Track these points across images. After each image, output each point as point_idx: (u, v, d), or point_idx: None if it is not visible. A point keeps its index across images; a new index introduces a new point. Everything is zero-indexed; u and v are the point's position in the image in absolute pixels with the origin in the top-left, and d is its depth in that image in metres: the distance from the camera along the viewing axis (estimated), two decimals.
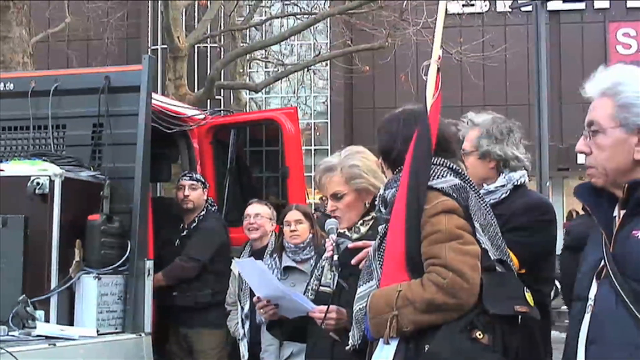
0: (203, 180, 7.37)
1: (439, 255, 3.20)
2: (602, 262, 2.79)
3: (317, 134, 35.16)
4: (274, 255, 6.49)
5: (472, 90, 28.75)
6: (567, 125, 29.46)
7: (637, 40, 32.93)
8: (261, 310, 4.39)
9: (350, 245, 3.93)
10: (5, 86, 6.39)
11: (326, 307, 3.96)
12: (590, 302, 2.80)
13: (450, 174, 3.43)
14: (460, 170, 3.50)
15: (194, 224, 7.28)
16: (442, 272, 3.17)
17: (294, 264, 6.35)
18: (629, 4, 32.75)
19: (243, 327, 6.69)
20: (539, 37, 16.24)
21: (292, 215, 6.42)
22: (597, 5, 32.98)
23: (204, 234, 7.22)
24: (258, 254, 6.63)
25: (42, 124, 6.22)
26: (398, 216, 3.33)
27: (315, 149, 33.55)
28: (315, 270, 4.35)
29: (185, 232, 7.30)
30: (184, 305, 7.10)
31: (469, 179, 3.52)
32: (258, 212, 6.86)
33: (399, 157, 3.54)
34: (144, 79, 5.93)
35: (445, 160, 3.48)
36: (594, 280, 2.82)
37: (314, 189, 24.93)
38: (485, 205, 3.49)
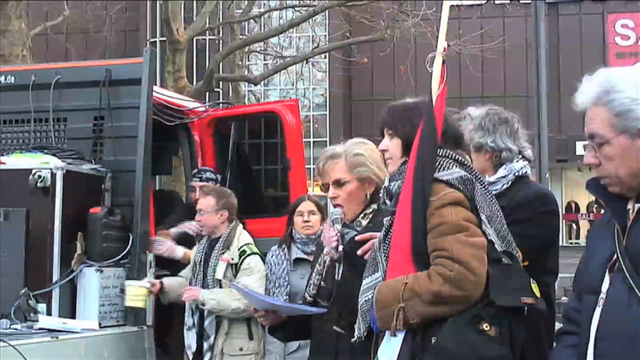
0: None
1: (445, 248, 3.20)
2: (615, 256, 2.77)
3: (316, 126, 35.17)
4: (283, 246, 6.33)
5: (471, 81, 28.74)
6: (566, 116, 29.43)
7: (635, 32, 32.92)
8: (261, 319, 4.40)
9: (358, 237, 3.91)
10: (6, 79, 6.39)
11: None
12: (602, 295, 2.78)
13: (456, 166, 3.42)
14: (465, 162, 3.49)
15: None
16: (449, 264, 3.16)
17: (304, 256, 6.20)
18: None
19: (192, 317, 6.33)
20: (537, 28, 16.18)
21: (306, 205, 6.29)
22: None
23: None
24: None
25: (43, 117, 6.21)
26: (404, 208, 3.33)
27: (314, 141, 33.52)
28: (317, 265, 4.29)
29: None
30: None
31: (474, 170, 3.51)
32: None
33: None
34: (145, 72, 5.93)
35: (451, 152, 3.47)
36: (607, 273, 2.79)
37: (313, 181, 25.00)
38: (491, 196, 3.48)
